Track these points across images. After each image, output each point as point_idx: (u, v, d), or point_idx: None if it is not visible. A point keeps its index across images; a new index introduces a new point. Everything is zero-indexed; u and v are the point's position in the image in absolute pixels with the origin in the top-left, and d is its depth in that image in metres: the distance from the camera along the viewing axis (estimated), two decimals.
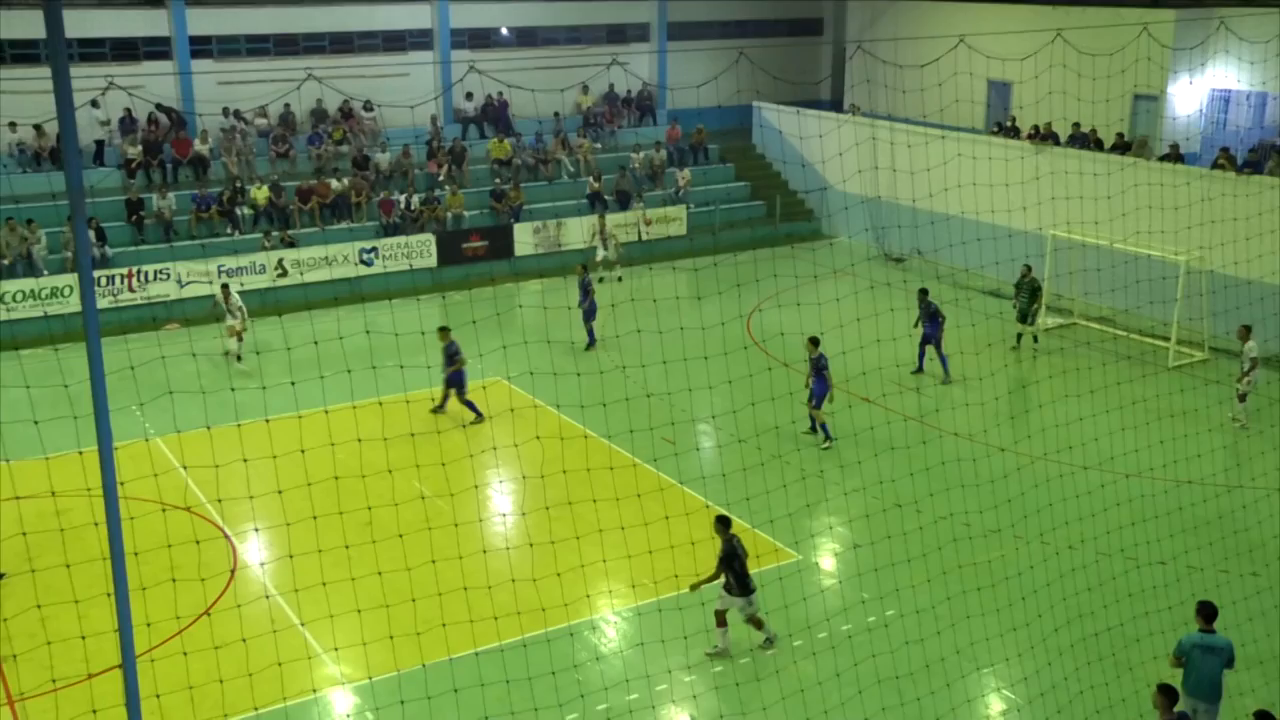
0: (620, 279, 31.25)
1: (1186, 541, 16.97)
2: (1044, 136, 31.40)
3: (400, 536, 14.17)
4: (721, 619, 14.38)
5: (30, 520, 15.70)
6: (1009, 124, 34.21)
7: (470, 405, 21.39)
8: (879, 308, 23.04)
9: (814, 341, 20.52)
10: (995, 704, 13.64)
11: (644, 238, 34.31)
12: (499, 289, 30.54)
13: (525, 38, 38.67)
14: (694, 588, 14.38)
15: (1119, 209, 24.82)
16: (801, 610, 15.03)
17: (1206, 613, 12.04)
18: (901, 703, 12.95)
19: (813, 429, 20.81)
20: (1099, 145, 30.83)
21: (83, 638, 12.70)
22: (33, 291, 26.81)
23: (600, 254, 31.70)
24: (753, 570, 14.50)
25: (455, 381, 21.41)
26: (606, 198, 34.63)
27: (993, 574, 15.87)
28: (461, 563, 14.60)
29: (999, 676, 14.05)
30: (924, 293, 24.44)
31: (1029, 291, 25.35)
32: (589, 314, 25.75)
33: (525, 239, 33.06)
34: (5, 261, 27.23)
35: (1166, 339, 25.37)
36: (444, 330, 21.59)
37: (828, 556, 17.23)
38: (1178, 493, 18.52)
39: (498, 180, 34.39)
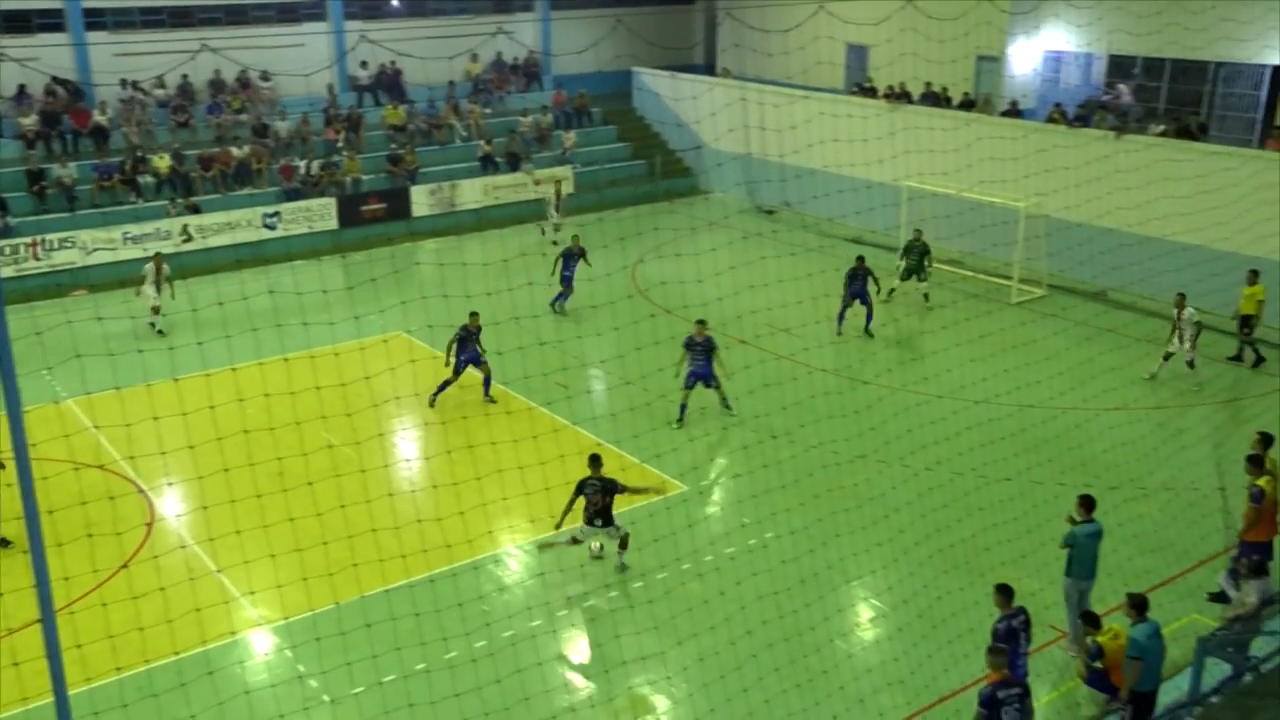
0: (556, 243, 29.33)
1: (1029, 459, 17.53)
2: (898, 96, 31.76)
3: (310, 484, 13.87)
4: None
5: None
6: (866, 85, 34.53)
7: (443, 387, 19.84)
8: (751, 256, 23.25)
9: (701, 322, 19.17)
10: (864, 612, 13.98)
11: (534, 196, 33.97)
12: (397, 249, 30.00)
13: (415, 7, 37.70)
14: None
15: (965, 161, 25.30)
16: (688, 536, 15.17)
17: (1089, 504, 12.66)
18: (780, 615, 13.19)
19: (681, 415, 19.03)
20: (947, 103, 31.33)
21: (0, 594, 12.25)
22: None
23: (553, 217, 30.97)
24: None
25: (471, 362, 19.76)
26: (497, 160, 34.14)
27: (859, 496, 16.22)
28: (369, 506, 14.38)
29: (866, 587, 14.39)
30: (860, 259, 23.41)
31: (919, 254, 24.80)
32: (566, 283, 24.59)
33: (421, 200, 32.45)
34: None
35: (1009, 278, 26.03)
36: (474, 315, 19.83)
37: (711, 486, 17.41)
38: (1020, 416, 19.09)
39: (393, 145, 33.64)
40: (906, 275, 25.17)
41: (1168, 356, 20.63)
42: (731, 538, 15.43)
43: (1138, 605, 11.08)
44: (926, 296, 25.18)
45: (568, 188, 34.71)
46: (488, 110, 36.45)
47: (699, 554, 14.93)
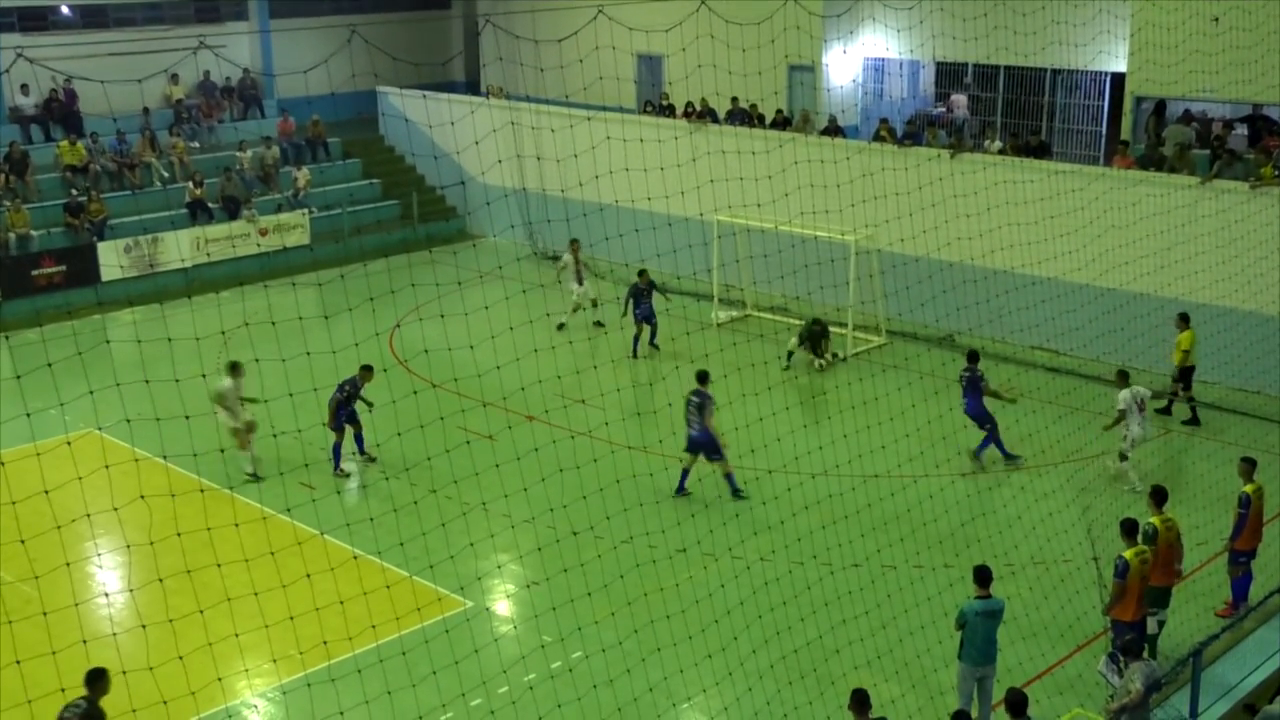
0: (601, 324, 29.44)
1: (879, 539, 18.10)
2: (701, 114, 32.76)
3: None
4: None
5: None
6: (662, 102, 35.49)
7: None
8: (535, 313, 23.34)
9: (702, 378, 20.58)
10: None
11: (260, 249, 33.25)
12: (82, 322, 28.70)
13: (92, 17, 36.63)
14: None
15: (782, 188, 26.20)
16: (474, 664, 14.92)
17: (983, 577, 13.29)
18: None
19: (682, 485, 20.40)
20: (760, 122, 32.49)
21: None
22: None
23: (577, 290, 29.01)
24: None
25: None
26: (210, 205, 33.33)
27: (682, 598, 16.36)
28: (57, 659, 13.55)
29: (699, 709, 14.47)
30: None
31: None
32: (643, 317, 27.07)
33: (112, 260, 31.30)
34: None
35: (843, 325, 27.01)
36: None
37: (500, 599, 17.22)
38: (865, 488, 19.72)
39: (73, 191, 32.38)
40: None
41: (1124, 456, 20.39)
42: (530, 661, 15.28)
43: (1016, 705, 11.52)
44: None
45: (301, 237, 34.17)
46: (194, 144, 35.66)
47: (489, 686, 14.70)
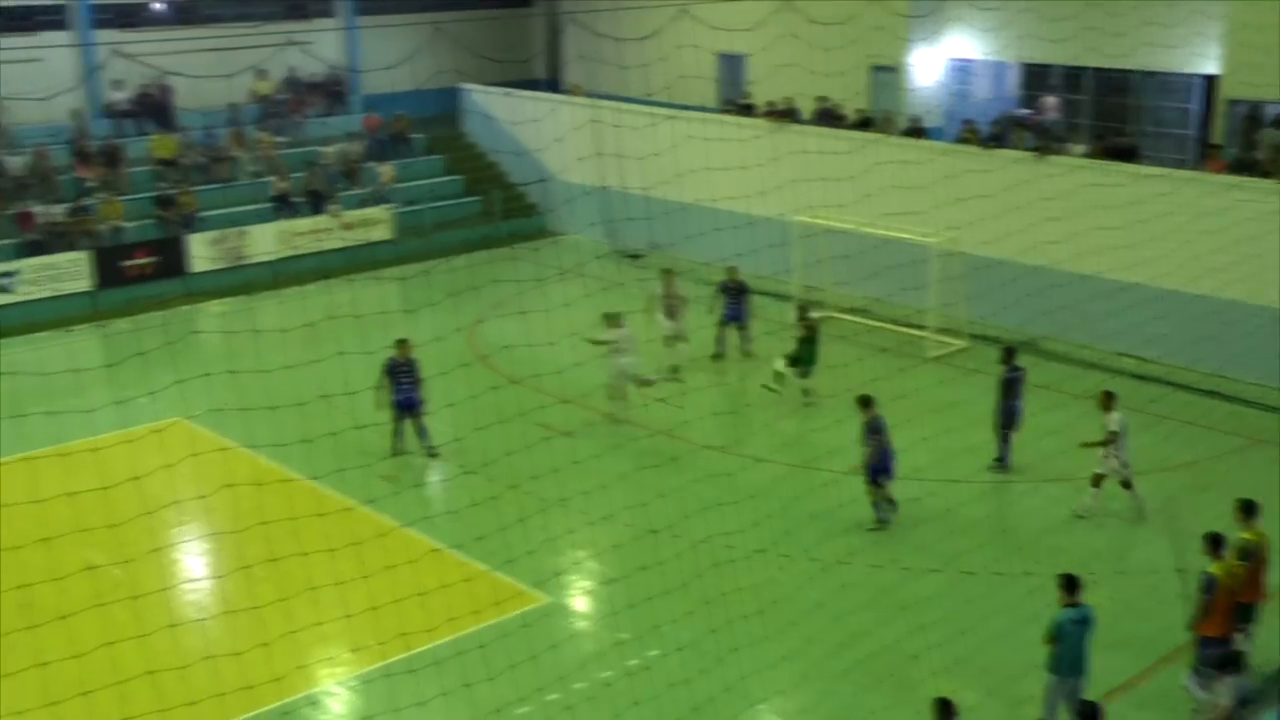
0: (679, 376, 24.92)
1: (958, 544, 17.94)
2: (782, 114, 32.63)
3: (64, 618, 13.31)
4: None
5: None
6: (743, 101, 35.39)
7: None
8: (613, 311, 23.40)
9: (865, 402, 18.86)
10: None
11: (344, 244, 33.64)
12: (171, 313, 29.25)
13: (184, 14, 37.25)
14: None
15: (864, 190, 26.05)
16: (552, 659, 15.01)
17: (1072, 585, 13.17)
18: None
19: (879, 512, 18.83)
20: (841, 122, 32.29)
21: None
22: None
23: (667, 325, 25.53)
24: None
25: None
26: (296, 199, 33.77)
27: (759, 599, 16.29)
28: (145, 642, 13.85)
29: (775, 711, 14.42)
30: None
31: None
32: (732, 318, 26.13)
33: (201, 252, 31.82)
34: None
35: (924, 328, 26.80)
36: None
37: (578, 596, 17.28)
38: (946, 493, 19.55)
39: (163, 184, 32.98)
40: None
41: (1098, 480, 18.90)
42: (606, 658, 15.32)
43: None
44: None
45: (384, 232, 34.50)
46: (281, 139, 36.10)
47: (566, 681, 14.77)
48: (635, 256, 33.80)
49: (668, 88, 32.47)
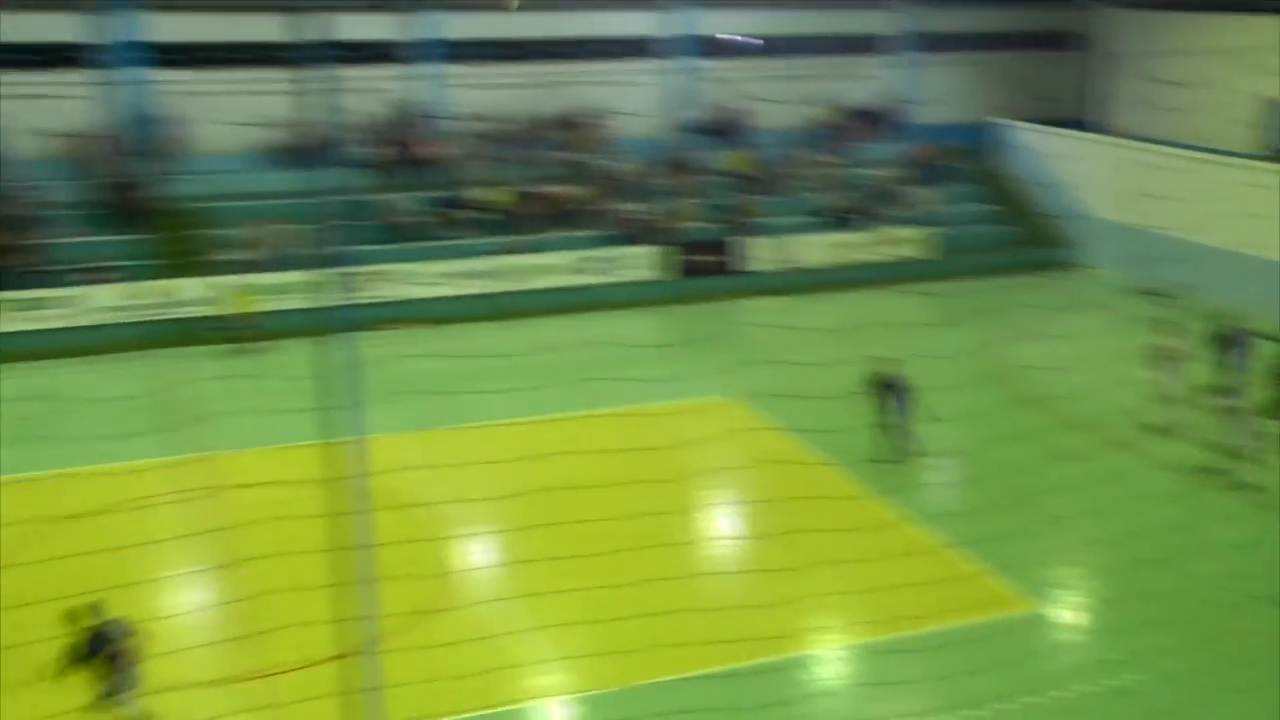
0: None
1: None
2: None
3: (616, 553, 14.14)
4: None
5: (254, 510, 16.45)
6: None
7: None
8: (1129, 346, 21.85)
9: None
10: None
11: (885, 259, 33.59)
12: (731, 305, 30.35)
13: (765, 47, 38.45)
14: None
15: None
16: (1033, 666, 14.23)
17: None
18: None
19: None
20: None
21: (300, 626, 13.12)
22: (275, 286, 28.12)
23: (1173, 386, 21.17)
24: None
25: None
26: (845, 215, 34.11)
27: (1257, 646, 14.59)
28: (671, 584, 14.45)
29: None
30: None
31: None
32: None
33: (761, 254, 32.84)
34: (262, 256, 28.79)
35: None
36: None
37: (1066, 610, 16.28)
38: None
39: (733, 193, 34.31)
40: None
41: None
42: (1087, 674, 14.31)
43: None
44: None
45: (921, 250, 34.04)
46: (837, 160, 36.51)
47: (1043, 687, 13.94)
48: (1159, 295, 31.35)
49: (1206, 131, 29.92)
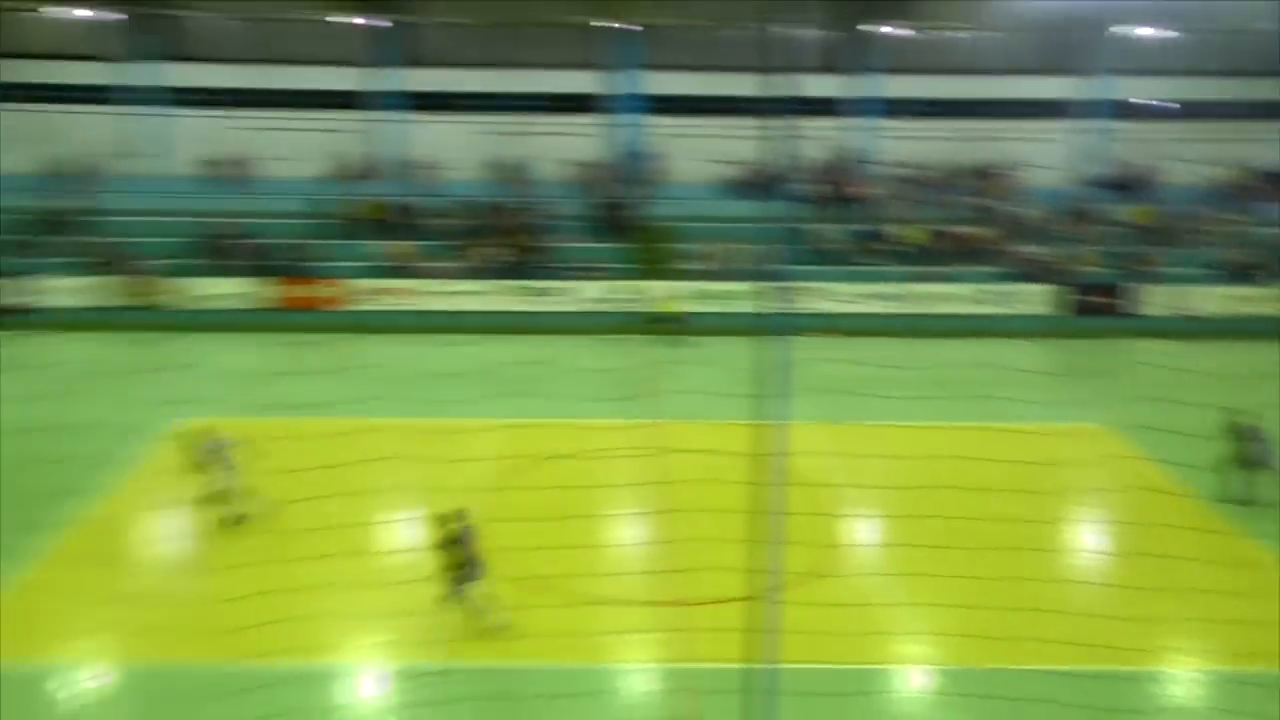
0: None
1: None
2: None
3: (984, 550, 13.72)
4: None
5: (690, 471, 17.30)
6: None
7: None
8: None
9: None
10: None
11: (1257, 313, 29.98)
12: (1118, 343, 28.25)
13: (1180, 111, 35.21)
14: None
15: None
16: None
17: None
18: None
19: None
20: None
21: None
22: (722, 293, 29.39)
23: None
24: None
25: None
26: (1247, 271, 30.77)
27: None
28: (1034, 585, 13.82)
29: None
30: None
31: None
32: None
33: (1154, 300, 30.29)
34: (714, 268, 30.23)
35: None
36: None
37: None
38: None
39: (1131, 243, 31.84)
40: None
41: None
42: None
43: None
44: None
45: None
46: (1241, 218, 32.93)
47: None
48: None
49: None
